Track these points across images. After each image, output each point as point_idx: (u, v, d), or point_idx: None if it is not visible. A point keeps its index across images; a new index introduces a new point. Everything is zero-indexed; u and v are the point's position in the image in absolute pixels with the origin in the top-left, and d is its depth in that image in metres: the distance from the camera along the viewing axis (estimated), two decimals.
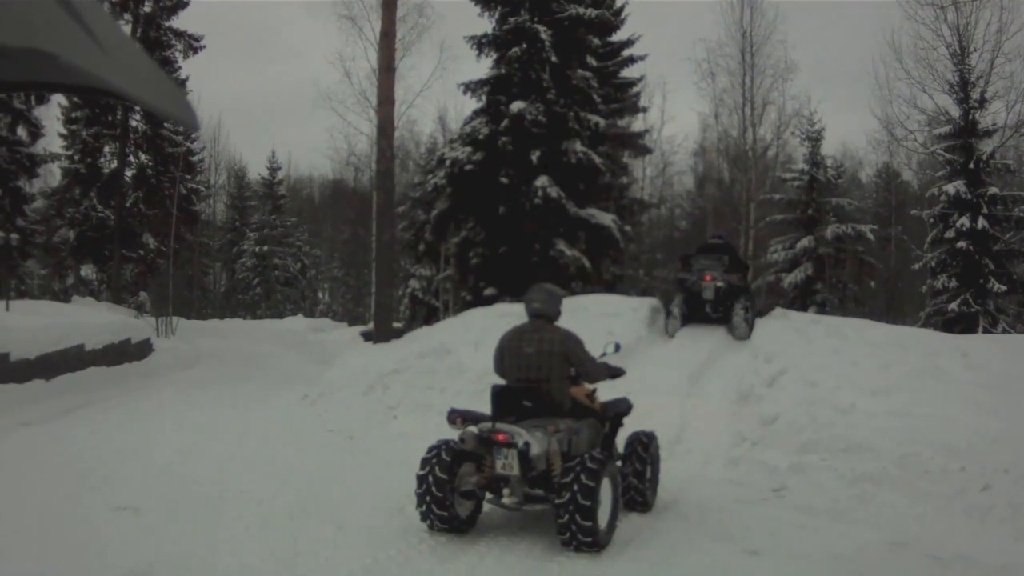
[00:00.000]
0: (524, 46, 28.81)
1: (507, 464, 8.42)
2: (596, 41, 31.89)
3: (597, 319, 17.34)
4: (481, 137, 29.21)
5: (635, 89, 42.64)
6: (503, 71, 29.66)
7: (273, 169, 71.09)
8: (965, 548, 8.69)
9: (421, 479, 8.68)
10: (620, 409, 10.19)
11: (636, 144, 43.75)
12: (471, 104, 31.73)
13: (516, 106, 28.12)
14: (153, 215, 39.14)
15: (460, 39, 31.22)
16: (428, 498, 8.63)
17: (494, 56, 30.43)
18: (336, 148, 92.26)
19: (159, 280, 38.93)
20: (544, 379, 9.25)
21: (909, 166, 47.93)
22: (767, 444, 12.39)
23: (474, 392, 15.17)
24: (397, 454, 12.83)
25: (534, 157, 28.11)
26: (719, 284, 18.21)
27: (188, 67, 37.69)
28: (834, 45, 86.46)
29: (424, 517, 8.72)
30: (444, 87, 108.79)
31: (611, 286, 31.22)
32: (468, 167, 28.83)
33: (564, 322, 9.93)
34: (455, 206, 30.27)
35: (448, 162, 29.71)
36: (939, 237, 33.09)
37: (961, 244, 31.35)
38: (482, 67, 36.24)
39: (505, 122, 28.40)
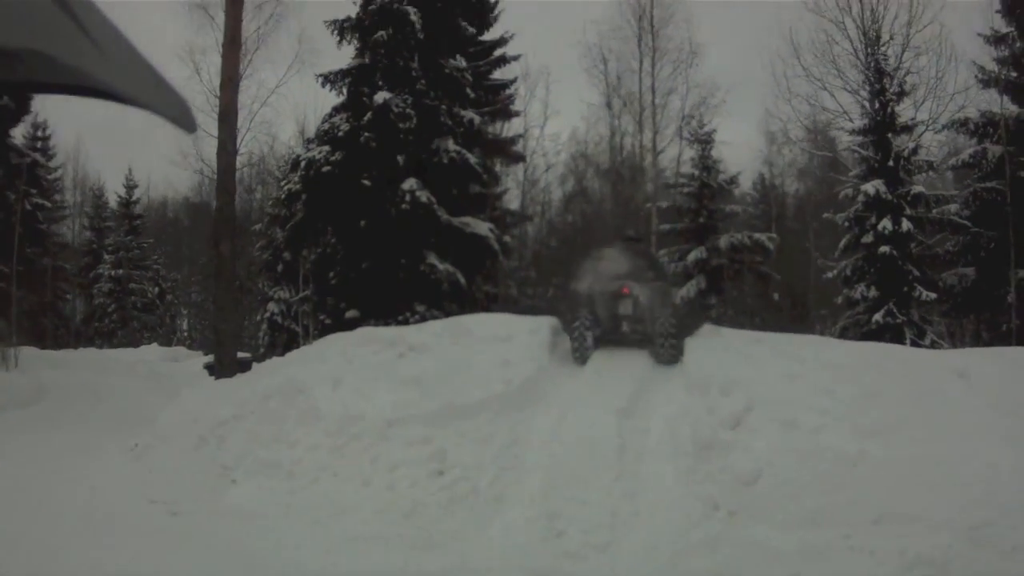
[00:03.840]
0: (391, 31, 25.94)
1: (626, 307, 14.92)
2: (471, 29, 29.29)
3: (486, 344, 14.23)
4: (341, 134, 26.29)
5: (509, 91, 39.59)
6: (367, 60, 26.79)
7: (129, 188, 68.22)
8: None
9: (578, 336, 14.51)
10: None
11: (509, 151, 40.76)
12: (333, 102, 28.89)
13: (381, 96, 25.18)
14: None
15: (321, 27, 28.49)
16: (580, 351, 14.45)
17: (357, 44, 27.59)
18: (183, 153, 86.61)
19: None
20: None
21: (812, 167, 47.16)
22: (753, 515, 8.83)
23: (333, 447, 11.54)
24: (232, 542, 9.30)
25: (401, 157, 25.23)
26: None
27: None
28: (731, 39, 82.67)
29: (576, 355, 14.49)
30: (305, 94, 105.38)
31: (485, 306, 28.01)
32: (325, 168, 25.85)
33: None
34: (311, 215, 27.17)
35: (303, 164, 26.74)
36: (854, 242, 30.96)
37: (884, 249, 29.04)
38: (344, 56, 33.27)
39: (368, 115, 25.46)
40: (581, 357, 14.68)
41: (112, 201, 69.50)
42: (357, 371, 13.49)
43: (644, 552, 8.59)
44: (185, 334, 72.57)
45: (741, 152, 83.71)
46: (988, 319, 31.51)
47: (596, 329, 15.12)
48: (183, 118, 1.60)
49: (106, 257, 65.06)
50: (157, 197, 77.66)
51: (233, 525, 10.06)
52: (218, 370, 20.00)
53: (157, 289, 67.50)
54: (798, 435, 9.97)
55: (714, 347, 14.11)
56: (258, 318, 45.75)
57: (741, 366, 12.62)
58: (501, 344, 14.17)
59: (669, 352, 14.38)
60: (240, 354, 22.86)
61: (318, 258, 28.35)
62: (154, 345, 49.52)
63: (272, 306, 43.32)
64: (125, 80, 1.43)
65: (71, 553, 8.77)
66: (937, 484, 8.43)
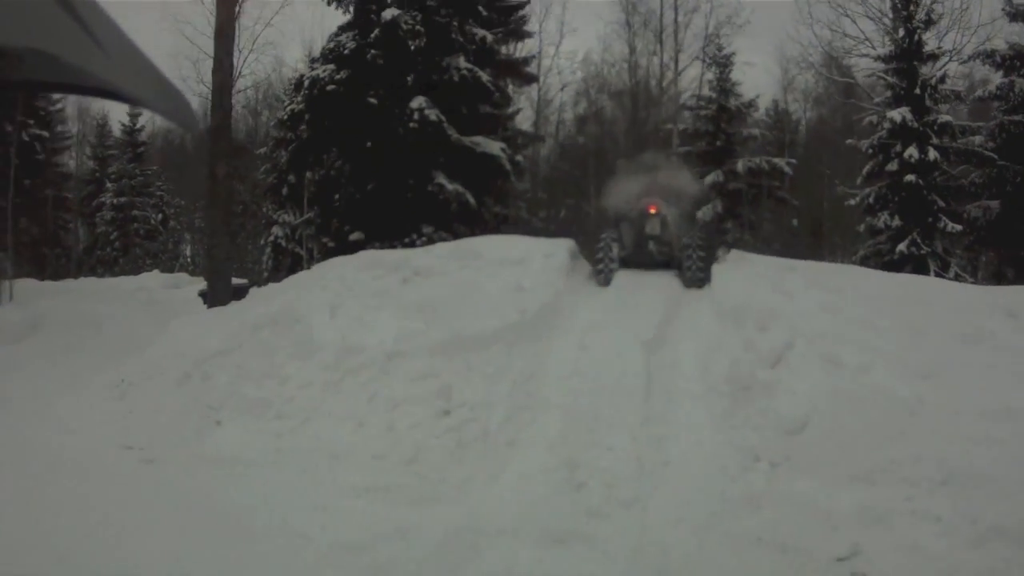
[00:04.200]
0: None
1: (653, 226, 14.58)
2: None
3: (497, 268, 13.21)
4: (346, 52, 25.30)
5: (522, 12, 38.37)
6: None
7: (134, 115, 67.17)
8: None
9: (603, 251, 14.29)
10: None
11: (522, 71, 39.49)
12: (340, 22, 27.89)
13: (389, 13, 24.19)
14: None
15: None
16: (605, 265, 14.21)
17: None
18: (182, 76, 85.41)
19: None
20: None
21: (830, 93, 46.83)
22: (799, 468, 7.78)
23: (328, 383, 10.45)
24: (208, 496, 8.16)
25: (409, 76, 24.35)
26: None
27: None
28: None
29: (599, 273, 14.21)
30: (312, 17, 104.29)
31: (495, 228, 27.04)
32: (330, 87, 24.87)
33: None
34: (315, 135, 26.31)
35: (307, 82, 25.87)
36: (878, 170, 30.17)
37: (910, 178, 28.35)
38: None
39: (376, 32, 24.45)
40: (606, 271, 14.50)
41: (116, 130, 69.30)
42: (357, 297, 12.50)
43: (676, 510, 7.50)
44: (188, 260, 72.09)
45: (758, 75, 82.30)
46: (1011, 255, 30.56)
47: (621, 248, 14.85)
48: (184, 117, 1.69)
49: (109, 185, 64.88)
50: (162, 124, 77.19)
51: (212, 475, 9.07)
52: (210, 297, 18.93)
53: (160, 215, 67.05)
54: (845, 375, 8.96)
55: (743, 275, 13.10)
56: (262, 242, 45.32)
57: (775, 296, 11.59)
58: (514, 268, 13.25)
59: (697, 267, 14.12)
60: (236, 280, 21.72)
61: (322, 179, 27.57)
62: (155, 272, 48.19)
63: (276, 230, 42.65)
64: (127, 79, 1.45)
65: (28, 515, 7.65)
66: (1004, 440, 7.39)
